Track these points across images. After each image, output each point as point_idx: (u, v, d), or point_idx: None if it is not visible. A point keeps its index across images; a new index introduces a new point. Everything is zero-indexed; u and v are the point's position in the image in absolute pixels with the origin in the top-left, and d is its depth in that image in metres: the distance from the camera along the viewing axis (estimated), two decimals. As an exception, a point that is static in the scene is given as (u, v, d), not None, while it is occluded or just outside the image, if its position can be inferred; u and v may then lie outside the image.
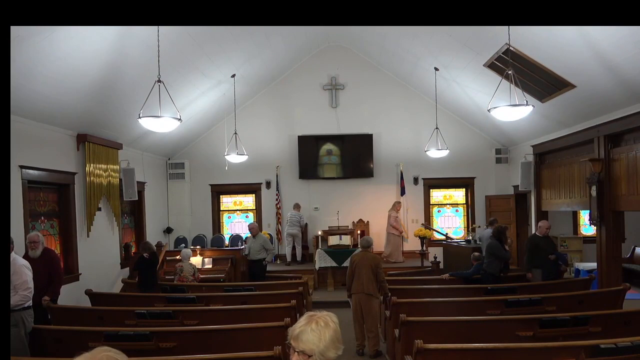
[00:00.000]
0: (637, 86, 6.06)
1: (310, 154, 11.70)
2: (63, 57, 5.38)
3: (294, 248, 11.12)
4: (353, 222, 11.55)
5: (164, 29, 5.71)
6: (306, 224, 11.69)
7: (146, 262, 7.32)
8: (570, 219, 11.86)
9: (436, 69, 9.50)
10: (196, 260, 9.18)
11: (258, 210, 12.08)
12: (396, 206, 11.10)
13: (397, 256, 10.89)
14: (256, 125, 11.67)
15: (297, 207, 11.22)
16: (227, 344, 4.40)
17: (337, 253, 9.91)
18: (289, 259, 11.06)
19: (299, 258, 11.09)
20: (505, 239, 7.30)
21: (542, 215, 9.91)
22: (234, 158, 9.85)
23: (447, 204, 12.23)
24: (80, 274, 7.40)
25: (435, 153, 10.03)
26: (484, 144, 11.79)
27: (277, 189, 11.79)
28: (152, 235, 10.47)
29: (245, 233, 10.97)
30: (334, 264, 9.89)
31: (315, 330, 1.74)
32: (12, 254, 4.75)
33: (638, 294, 8.42)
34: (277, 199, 11.77)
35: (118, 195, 8.57)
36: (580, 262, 10.56)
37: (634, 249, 10.49)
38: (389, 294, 6.24)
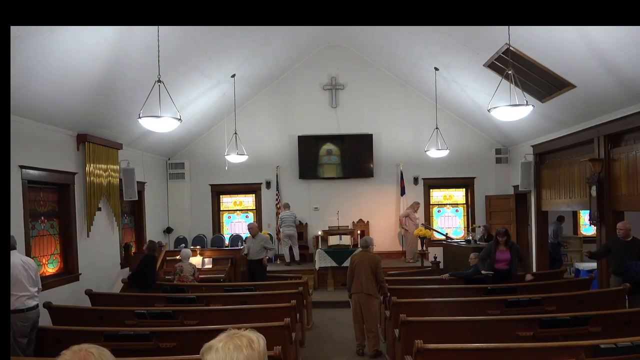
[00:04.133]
0: (637, 86, 6.06)
1: (310, 154, 11.70)
2: (63, 57, 5.38)
3: (290, 249, 11.10)
4: (353, 222, 11.56)
5: (164, 29, 5.71)
6: (305, 223, 11.71)
7: (144, 259, 7.33)
8: (570, 219, 11.86)
9: (436, 69, 9.50)
10: (196, 260, 9.18)
11: (258, 210, 12.08)
12: (414, 206, 11.14)
13: (414, 256, 10.93)
14: (256, 125, 11.67)
15: (287, 206, 11.16)
16: (227, 344, 4.38)
17: (337, 253, 9.92)
18: (287, 259, 11.06)
19: (297, 258, 11.07)
20: (493, 239, 7.15)
21: (542, 215, 9.91)
22: (234, 158, 9.85)
23: (447, 204, 12.23)
24: (80, 274, 7.40)
25: (435, 153, 10.04)
26: (484, 144, 11.79)
27: (277, 189, 11.79)
28: (152, 235, 10.46)
29: (245, 233, 10.97)
30: (334, 264, 9.89)
31: (219, 351, 1.45)
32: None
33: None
34: (277, 199, 11.77)
35: (118, 195, 8.57)
36: (580, 262, 10.57)
37: (634, 249, 10.47)
38: (389, 294, 6.24)
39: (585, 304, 5.70)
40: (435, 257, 9.71)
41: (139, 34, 5.90)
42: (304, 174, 11.75)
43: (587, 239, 11.31)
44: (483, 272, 6.90)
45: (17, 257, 4.94)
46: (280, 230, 10.94)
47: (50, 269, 7.03)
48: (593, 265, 8.58)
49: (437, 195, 12.22)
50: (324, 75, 11.79)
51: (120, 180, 8.68)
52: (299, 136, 11.68)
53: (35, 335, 4.92)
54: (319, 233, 10.93)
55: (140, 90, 6.45)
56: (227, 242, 11.72)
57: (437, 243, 10.95)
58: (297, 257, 11.07)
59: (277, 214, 11.71)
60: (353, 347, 6.40)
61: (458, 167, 11.71)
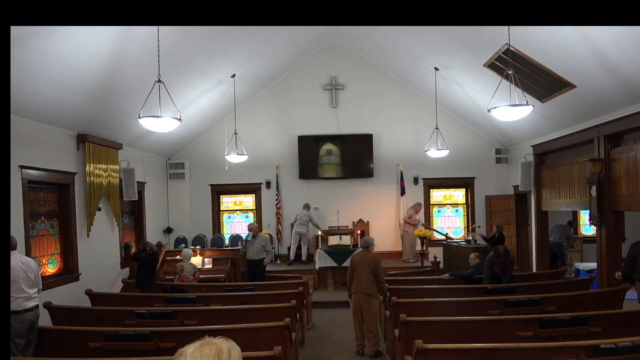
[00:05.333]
0: (637, 86, 6.06)
1: (310, 154, 11.70)
2: (63, 57, 5.38)
3: (299, 247, 11.14)
4: (353, 222, 11.56)
5: (164, 29, 5.71)
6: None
7: (145, 259, 7.34)
8: (570, 219, 11.86)
9: (436, 69, 9.50)
10: (196, 260, 9.17)
11: (258, 210, 12.09)
12: (416, 207, 11.15)
13: (412, 255, 10.95)
14: (256, 125, 11.67)
15: (306, 207, 11.23)
16: (227, 344, 4.39)
17: (337, 253, 9.92)
18: (292, 257, 11.08)
19: (304, 258, 11.10)
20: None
21: (542, 215, 9.91)
22: (234, 158, 9.85)
23: (447, 204, 12.23)
24: (80, 274, 7.40)
25: (435, 153, 10.03)
26: (484, 144, 11.79)
27: (277, 189, 11.79)
28: (152, 235, 10.47)
29: (244, 233, 10.98)
30: (334, 264, 9.89)
31: (187, 358, 1.44)
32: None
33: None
34: (277, 199, 11.77)
35: (118, 195, 8.57)
36: (580, 262, 10.60)
37: (634, 249, 10.48)
38: (388, 294, 6.24)
39: (585, 304, 5.70)
40: (435, 257, 9.71)
41: (139, 34, 5.90)
42: (304, 174, 11.75)
43: (587, 239, 11.32)
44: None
45: (17, 259, 4.92)
46: (293, 227, 11.07)
47: (50, 269, 7.03)
48: (593, 265, 8.58)
49: (437, 195, 12.22)
50: (324, 75, 11.79)
51: (120, 180, 8.68)
52: (299, 136, 11.68)
53: (36, 335, 4.92)
54: (319, 233, 10.93)
55: (140, 90, 6.45)
56: (227, 242, 11.73)
57: (437, 243, 10.95)
58: (304, 257, 11.10)
59: (278, 214, 11.73)
60: (353, 347, 6.39)
61: (458, 167, 11.71)
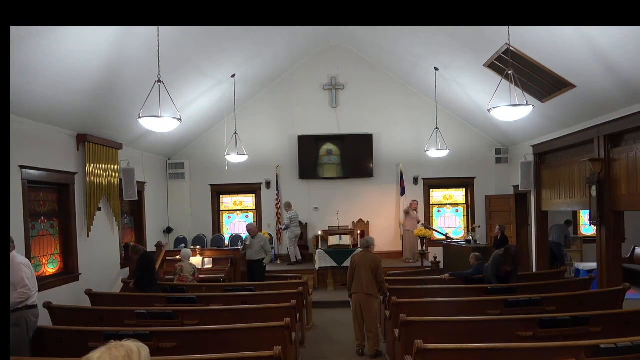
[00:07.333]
0: (637, 86, 6.06)
1: (310, 154, 11.71)
2: (63, 57, 5.38)
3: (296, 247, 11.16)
4: (353, 222, 11.56)
5: (164, 29, 5.71)
6: (305, 223, 11.74)
7: (143, 261, 7.30)
8: (568, 218, 11.86)
9: (436, 69, 9.50)
10: (196, 260, 9.17)
11: (258, 210, 12.09)
12: (412, 204, 11.18)
13: (412, 255, 10.95)
14: (256, 125, 11.68)
15: (290, 205, 11.18)
16: (227, 344, 4.39)
17: (337, 253, 9.92)
18: (293, 259, 11.08)
19: (299, 257, 11.14)
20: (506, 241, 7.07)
21: (542, 215, 9.91)
22: (234, 158, 9.86)
23: (447, 204, 12.23)
24: (80, 274, 7.40)
25: (435, 153, 10.04)
26: (484, 144, 11.79)
27: (277, 189, 11.80)
28: (152, 235, 10.48)
29: (245, 233, 10.98)
30: (334, 264, 9.90)
31: None
32: (13, 252, 4.77)
33: (638, 294, 8.42)
34: (277, 199, 11.77)
35: (118, 195, 8.57)
36: (580, 262, 10.60)
37: (634, 249, 10.51)
38: (388, 294, 6.24)
39: (585, 304, 5.70)
40: (435, 257, 9.70)
41: (139, 34, 5.89)
42: (304, 174, 11.75)
43: (587, 239, 11.32)
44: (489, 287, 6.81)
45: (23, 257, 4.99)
46: (290, 230, 10.99)
47: (50, 269, 7.03)
48: (593, 265, 8.58)
49: (437, 195, 12.22)
50: (324, 75, 11.79)
51: (120, 180, 8.68)
52: (299, 136, 11.68)
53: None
54: (319, 233, 10.93)
55: (140, 90, 6.45)
56: (227, 242, 11.73)
57: (437, 243, 10.95)
58: (299, 257, 11.13)
59: (278, 214, 11.73)
60: (353, 347, 6.39)
61: (458, 167, 11.71)
